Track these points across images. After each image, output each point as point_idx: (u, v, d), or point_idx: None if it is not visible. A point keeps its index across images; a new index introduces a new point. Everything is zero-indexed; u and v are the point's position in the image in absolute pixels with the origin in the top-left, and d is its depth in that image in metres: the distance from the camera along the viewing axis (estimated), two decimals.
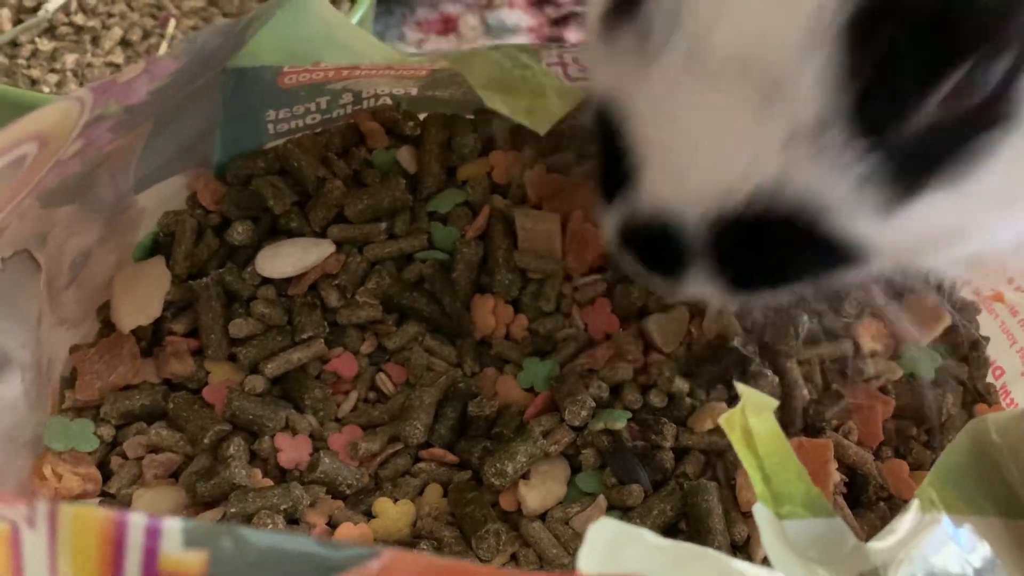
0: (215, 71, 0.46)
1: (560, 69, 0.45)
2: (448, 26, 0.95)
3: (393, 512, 0.45)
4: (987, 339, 0.52)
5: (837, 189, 0.33)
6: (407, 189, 0.51)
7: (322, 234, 0.50)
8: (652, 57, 0.34)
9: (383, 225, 0.50)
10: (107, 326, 0.50)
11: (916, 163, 0.34)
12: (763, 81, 0.33)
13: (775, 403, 0.36)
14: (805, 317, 0.47)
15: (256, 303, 0.49)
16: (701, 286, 0.36)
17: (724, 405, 0.46)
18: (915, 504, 0.36)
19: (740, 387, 0.36)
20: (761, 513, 0.34)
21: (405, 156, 0.52)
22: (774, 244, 0.35)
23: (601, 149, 0.38)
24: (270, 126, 0.51)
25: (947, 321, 0.50)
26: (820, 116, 0.32)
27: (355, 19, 0.67)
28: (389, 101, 0.53)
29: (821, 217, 0.34)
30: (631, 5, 0.36)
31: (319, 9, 0.43)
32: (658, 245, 0.35)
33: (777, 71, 0.32)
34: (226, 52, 0.45)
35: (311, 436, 0.47)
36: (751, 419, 0.36)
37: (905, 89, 0.33)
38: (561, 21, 0.95)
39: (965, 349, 0.51)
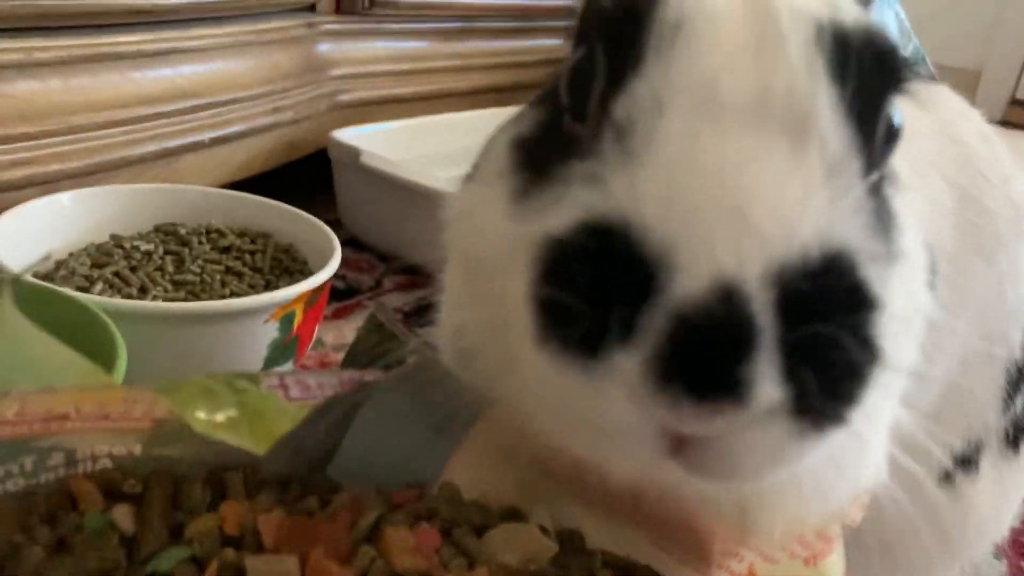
0: None
1: (281, 392, 0.44)
2: None
3: None
4: None
5: (860, 230, 0.32)
6: (121, 549, 0.45)
7: None
8: (645, 141, 0.32)
9: None
10: None
11: (881, 211, 0.35)
12: (788, 119, 0.31)
13: None
14: None
15: None
16: (773, 386, 0.30)
17: None
18: None
19: None
20: None
21: (123, 515, 0.47)
22: (831, 301, 0.30)
23: (593, 286, 0.32)
24: None
25: None
26: (842, 151, 0.32)
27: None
28: (109, 464, 0.49)
29: (855, 263, 0.31)
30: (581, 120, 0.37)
31: (12, 322, 0.41)
32: (721, 326, 0.29)
33: (799, 106, 0.32)
34: None
35: None
36: None
37: (874, 116, 0.34)
38: None
39: None
